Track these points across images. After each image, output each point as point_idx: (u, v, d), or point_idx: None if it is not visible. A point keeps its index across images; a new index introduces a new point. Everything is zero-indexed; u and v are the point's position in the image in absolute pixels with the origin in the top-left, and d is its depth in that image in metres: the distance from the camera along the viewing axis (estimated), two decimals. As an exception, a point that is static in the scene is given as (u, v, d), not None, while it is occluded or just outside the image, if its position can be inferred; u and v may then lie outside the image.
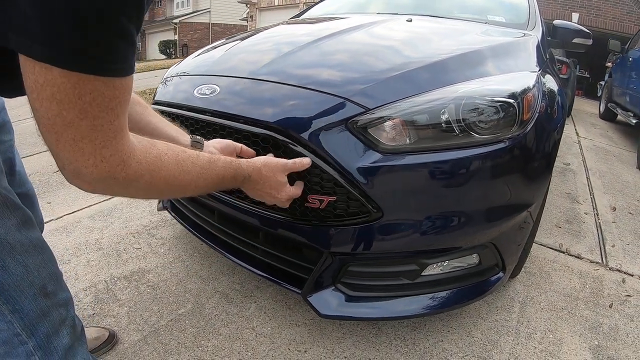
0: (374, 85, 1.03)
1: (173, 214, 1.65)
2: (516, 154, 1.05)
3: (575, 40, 2.15)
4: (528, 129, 1.07)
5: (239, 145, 1.00)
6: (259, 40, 1.58)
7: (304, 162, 0.92)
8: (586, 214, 2.49)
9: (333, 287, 1.10)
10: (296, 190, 0.93)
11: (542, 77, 1.27)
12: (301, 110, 1.00)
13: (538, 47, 1.55)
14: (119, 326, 1.38)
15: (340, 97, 1.00)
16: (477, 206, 1.04)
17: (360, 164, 0.92)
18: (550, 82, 1.40)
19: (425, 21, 1.79)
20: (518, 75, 1.19)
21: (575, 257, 1.94)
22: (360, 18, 1.83)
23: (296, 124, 0.97)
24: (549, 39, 2.11)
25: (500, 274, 1.22)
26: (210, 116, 1.08)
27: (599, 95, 7.87)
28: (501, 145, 1.01)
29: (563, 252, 1.97)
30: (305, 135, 0.95)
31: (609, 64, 7.10)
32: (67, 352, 0.69)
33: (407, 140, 0.96)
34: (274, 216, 1.05)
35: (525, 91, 1.08)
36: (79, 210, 2.22)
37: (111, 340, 1.29)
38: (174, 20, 22.38)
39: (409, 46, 1.34)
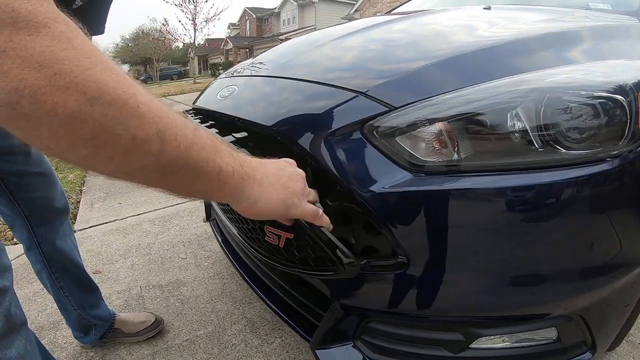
0: (404, 77, 0.77)
1: (213, 227, 1.58)
2: (626, 181, 0.71)
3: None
4: None
5: None
6: (296, 42, 1.45)
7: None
8: None
9: (351, 344, 0.87)
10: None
11: None
12: (302, 109, 0.80)
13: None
14: (137, 337, 1.32)
15: (352, 90, 0.76)
16: (560, 260, 0.72)
17: (374, 186, 0.67)
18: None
19: (507, 10, 1.42)
20: (629, 64, 0.82)
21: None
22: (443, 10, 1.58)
23: (294, 128, 0.77)
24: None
25: (588, 355, 0.87)
26: (227, 119, 0.96)
27: None
28: (603, 166, 0.68)
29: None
30: (305, 143, 0.73)
31: None
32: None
33: (455, 155, 0.68)
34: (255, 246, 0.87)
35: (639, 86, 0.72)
36: (143, 213, 2.31)
37: (156, 326, 1.30)
38: (281, 37, 23.83)
39: (462, 34, 1.02)
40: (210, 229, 2.08)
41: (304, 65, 1.03)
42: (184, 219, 2.26)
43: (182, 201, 2.51)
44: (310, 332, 0.93)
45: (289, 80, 0.94)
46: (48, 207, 1.03)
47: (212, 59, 40.08)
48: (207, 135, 0.44)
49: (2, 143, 0.89)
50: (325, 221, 0.60)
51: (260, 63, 1.21)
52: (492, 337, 0.81)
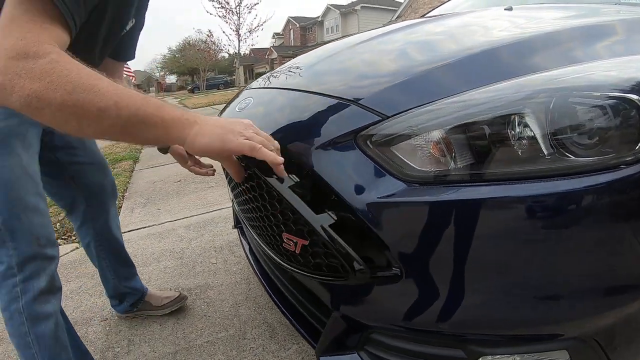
0: (399, 84, 0.76)
1: (240, 233, 1.64)
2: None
3: None
4: None
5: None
6: (309, 54, 1.48)
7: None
8: None
9: (355, 354, 0.87)
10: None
11: None
12: (299, 119, 0.83)
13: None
14: (160, 335, 1.41)
15: (346, 100, 0.77)
16: (570, 277, 0.67)
17: (367, 196, 0.67)
18: None
19: (529, 9, 1.35)
20: None
21: None
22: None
23: (291, 138, 0.80)
24: None
25: None
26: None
27: None
28: (618, 173, 0.61)
29: None
30: (301, 152, 0.76)
31: None
32: (41, 295, 0.92)
33: (452, 164, 0.65)
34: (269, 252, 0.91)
35: None
36: (179, 219, 2.43)
37: (179, 301, 1.51)
38: (323, 46, 24.16)
39: (470, 36, 0.98)
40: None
41: (308, 76, 1.07)
42: (218, 225, 2.35)
43: (217, 208, 2.62)
44: (316, 338, 0.95)
45: (291, 91, 0.98)
46: (100, 191, 1.28)
47: (257, 68, 41.28)
48: (155, 100, 0.62)
49: (63, 140, 1.13)
50: (265, 155, 0.65)
51: (277, 74, 1.27)
52: (496, 356, 0.78)
